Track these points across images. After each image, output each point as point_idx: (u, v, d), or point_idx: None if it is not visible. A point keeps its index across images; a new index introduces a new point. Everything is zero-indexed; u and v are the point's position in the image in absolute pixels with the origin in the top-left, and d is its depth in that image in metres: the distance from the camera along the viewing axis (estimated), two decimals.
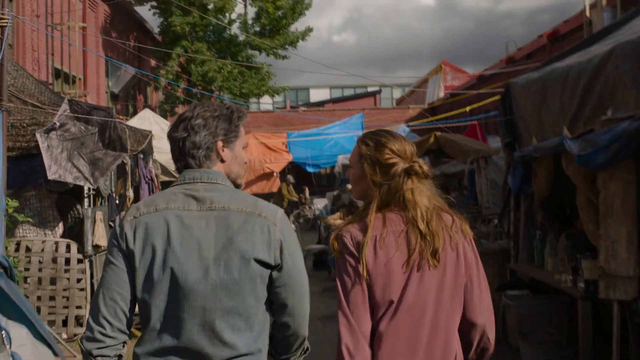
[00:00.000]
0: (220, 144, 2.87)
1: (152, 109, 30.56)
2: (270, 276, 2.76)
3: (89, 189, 9.84)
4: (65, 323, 9.42)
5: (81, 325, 9.44)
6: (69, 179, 8.70)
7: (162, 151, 18.32)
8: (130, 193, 10.61)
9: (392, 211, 2.98)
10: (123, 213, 2.82)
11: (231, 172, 2.94)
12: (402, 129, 29.66)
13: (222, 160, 2.89)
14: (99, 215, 9.75)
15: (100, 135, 9.01)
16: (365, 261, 2.85)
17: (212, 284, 2.66)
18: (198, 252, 2.68)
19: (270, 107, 41.16)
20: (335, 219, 14.85)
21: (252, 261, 2.69)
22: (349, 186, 17.81)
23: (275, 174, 31.39)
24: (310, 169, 30.64)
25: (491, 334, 3.04)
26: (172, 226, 2.70)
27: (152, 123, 20.01)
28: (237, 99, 31.63)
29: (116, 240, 2.74)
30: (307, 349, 2.99)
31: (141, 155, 11.31)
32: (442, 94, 38.74)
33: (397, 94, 69.32)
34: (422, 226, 2.89)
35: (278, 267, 2.75)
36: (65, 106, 8.69)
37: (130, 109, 28.13)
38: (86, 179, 8.82)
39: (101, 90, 24.49)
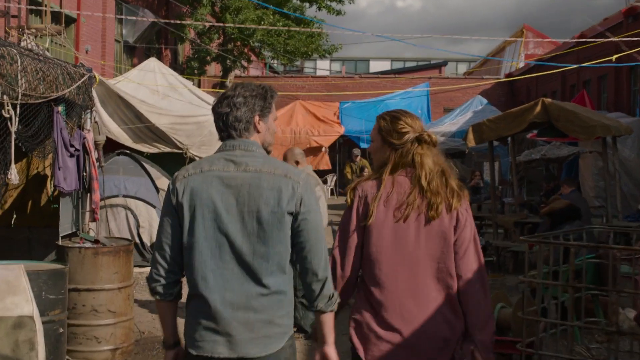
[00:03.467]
0: (257, 118, 3.36)
1: (181, 67, 25.77)
2: (292, 224, 3.23)
3: None
4: None
5: None
6: None
7: (162, 112, 13.66)
8: (13, 175, 5.76)
9: (401, 175, 3.56)
10: (176, 173, 3.35)
11: (265, 141, 3.43)
12: (477, 100, 24.51)
13: (258, 131, 3.38)
14: None
15: None
16: (373, 212, 3.48)
17: (248, 232, 3.19)
18: (235, 206, 3.21)
19: (324, 72, 35.98)
20: None
21: (279, 213, 3.19)
22: None
23: (323, 149, 27.31)
24: (364, 145, 25.58)
25: (482, 292, 3.51)
26: (214, 184, 3.23)
27: (157, 75, 15.32)
28: (280, 58, 26.75)
29: (168, 197, 3.31)
30: (333, 295, 3.30)
31: (58, 109, 6.45)
32: (522, 64, 33.32)
33: (463, 68, 64.69)
34: (424, 183, 3.48)
35: (298, 215, 3.22)
36: None
37: None
38: None
39: (108, 38, 19.75)
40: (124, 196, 11.86)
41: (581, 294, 6.34)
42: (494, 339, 3.53)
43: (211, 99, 16.17)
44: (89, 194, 7.50)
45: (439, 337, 3.44)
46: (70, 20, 17.67)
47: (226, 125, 3.31)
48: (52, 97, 6.20)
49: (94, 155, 7.42)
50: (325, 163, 27.39)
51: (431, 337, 3.43)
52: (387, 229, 3.46)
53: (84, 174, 7.31)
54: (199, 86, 23.63)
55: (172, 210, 3.27)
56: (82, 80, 6.83)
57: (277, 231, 3.18)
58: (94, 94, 12.91)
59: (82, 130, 7.29)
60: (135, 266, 11.86)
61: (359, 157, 20.66)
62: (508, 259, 11.90)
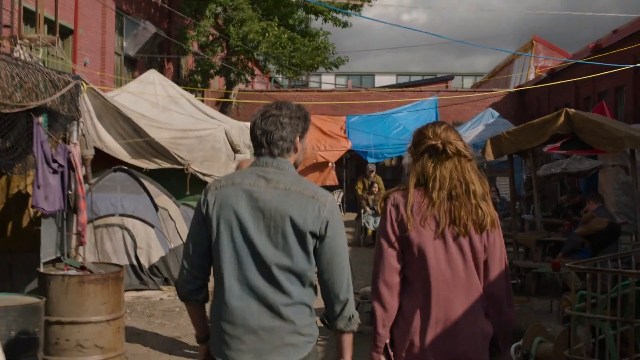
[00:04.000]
0: (297, 138, 3.52)
1: (184, 81, 25.12)
2: (316, 245, 3.36)
3: None
4: None
5: None
6: None
7: (162, 126, 12.99)
8: None
9: (422, 188, 3.55)
10: (209, 184, 3.54)
11: (297, 161, 3.59)
12: (489, 113, 23.82)
13: (295, 151, 3.54)
14: None
15: None
16: (406, 220, 3.47)
17: (273, 246, 3.31)
18: (263, 220, 3.33)
19: (329, 86, 35.30)
20: None
21: (303, 232, 3.32)
22: None
23: (330, 165, 26.59)
24: (371, 160, 25.05)
25: (510, 307, 3.54)
26: (244, 198, 3.37)
27: (157, 88, 14.71)
28: (285, 70, 26.08)
29: (199, 207, 3.44)
30: (353, 315, 3.40)
31: (39, 119, 5.73)
32: (532, 76, 32.58)
33: (469, 82, 64.13)
34: (434, 196, 3.45)
35: (322, 239, 3.35)
36: None
37: None
38: None
39: (108, 50, 19.08)
40: (121, 215, 11.14)
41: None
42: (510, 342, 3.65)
43: (214, 113, 15.49)
44: (75, 215, 6.77)
45: (470, 348, 3.46)
46: (67, 32, 17.05)
47: (269, 143, 3.43)
48: (30, 107, 5.48)
49: (81, 171, 6.69)
50: (332, 179, 26.64)
51: (463, 347, 3.45)
52: (418, 241, 3.46)
53: (69, 192, 6.58)
54: (202, 101, 23.00)
55: (201, 220, 3.41)
56: (67, 88, 6.11)
57: (300, 249, 3.31)
58: (87, 106, 12.37)
59: (68, 144, 6.57)
60: (132, 289, 11.23)
61: (373, 172, 19.72)
62: (530, 280, 11.09)
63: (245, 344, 3.28)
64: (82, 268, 6.27)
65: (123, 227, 11.05)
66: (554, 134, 11.02)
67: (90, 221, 10.94)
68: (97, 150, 12.33)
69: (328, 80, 56.13)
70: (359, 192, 19.36)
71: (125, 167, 12.09)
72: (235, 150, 13.59)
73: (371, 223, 17.82)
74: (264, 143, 3.44)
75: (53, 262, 6.71)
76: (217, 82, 30.02)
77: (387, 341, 3.52)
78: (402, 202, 3.49)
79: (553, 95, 27.33)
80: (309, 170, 26.77)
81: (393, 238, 3.48)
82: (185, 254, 3.47)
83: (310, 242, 3.32)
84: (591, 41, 22.62)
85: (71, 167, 6.45)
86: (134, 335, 8.20)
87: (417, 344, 3.43)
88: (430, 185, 3.45)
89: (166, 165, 12.80)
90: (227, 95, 25.85)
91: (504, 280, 3.50)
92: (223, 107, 25.07)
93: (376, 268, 3.53)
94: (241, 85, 28.96)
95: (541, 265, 10.87)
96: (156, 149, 12.67)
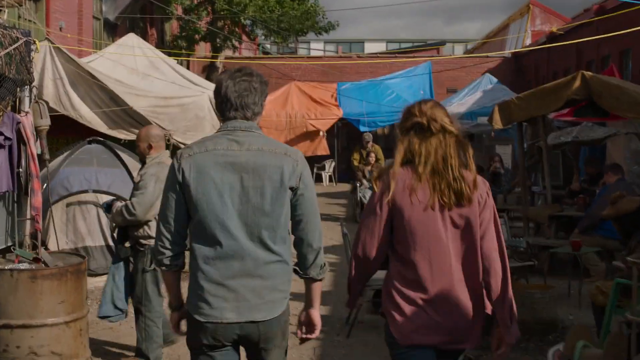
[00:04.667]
0: (263, 103, 3.69)
1: (168, 47, 23.95)
2: (291, 198, 3.53)
3: None
4: None
5: None
6: None
7: (141, 93, 11.99)
8: None
9: (411, 164, 3.61)
10: (179, 151, 3.57)
11: (258, 124, 3.68)
12: (487, 79, 22.81)
13: (260, 115, 3.69)
14: None
15: None
16: (393, 197, 3.53)
17: (252, 206, 3.43)
18: (240, 182, 3.45)
19: (319, 53, 34.16)
20: None
21: (281, 187, 3.47)
22: None
23: (321, 133, 25.60)
24: (364, 128, 24.05)
25: (506, 279, 3.58)
26: (220, 162, 3.45)
27: (136, 52, 13.67)
28: (274, 36, 24.92)
29: (173, 175, 3.50)
30: (324, 264, 3.63)
31: None
32: (529, 41, 31.54)
33: (460, 50, 63.11)
34: (420, 170, 3.53)
35: (297, 190, 3.52)
36: None
37: None
38: None
39: (85, 15, 17.92)
40: (95, 191, 10.12)
41: None
42: (514, 315, 3.59)
43: (198, 79, 14.44)
44: (27, 197, 5.76)
45: (468, 318, 3.55)
46: None
47: (244, 106, 3.55)
48: None
49: (34, 145, 5.68)
50: (323, 148, 25.64)
51: (461, 318, 3.54)
52: (412, 214, 3.53)
53: (19, 170, 5.57)
54: (187, 68, 21.91)
55: (176, 186, 3.46)
56: (15, 46, 5.08)
57: (279, 205, 3.45)
58: (59, 72, 11.33)
59: (18, 113, 5.54)
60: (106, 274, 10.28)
61: (370, 142, 18.39)
62: (542, 260, 10.14)
63: (228, 302, 3.38)
64: (36, 260, 5.30)
65: (98, 205, 10.04)
66: (569, 100, 10.04)
67: (62, 198, 9.99)
68: (71, 120, 11.43)
69: (316, 48, 54.99)
70: (355, 163, 18.16)
71: (101, 139, 11.06)
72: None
73: (368, 196, 16.73)
74: (239, 106, 3.54)
75: (2, 252, 5.74)
76: (203, 49, 28.88)
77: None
78: (392, 178, 3.56)
79: (553, 60, 26.31)
80: (299, 139, 25.80)
81: (381, 211, 3.55)
82: (163, 220, 3.49)
83: (289, 196, 3.48)
84: (589, 4, 21.67)
85: (22, 140, 5.47)
86: (105, 330, 7.25)
87: (411, 314, 3.51)
88: (416, 161, 3.55)
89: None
90: (213, 62, 24.76)
91: (501, 250, 3.58)
92: (209, 75, 24.00)
93: (361, 234, 3.60)
94: (228, 52, 27.84)
95: (555, 243, 9.96)
96: (135, 119, 11.59)
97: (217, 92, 3.58)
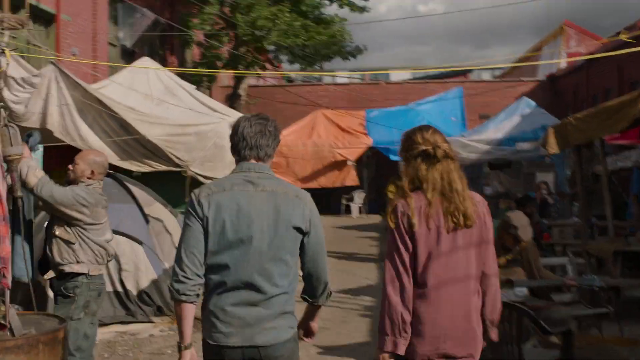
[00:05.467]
0: (275, 148, 3.93)
1: (188, 76, 22.96)
2: (302, 239, 3.78)
3: None
4: None
5: None
6: None
7: (154, 121, 10.98)
8: None
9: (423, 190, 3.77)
10: (196, 190, 3.76)
11: (271, 165, 3.94)
12: (524, 103, 21.56)
13: (272, 159, 3.95)
14: None
15: None
16: (413, 224, 3.68)
17: (267, 241, 3.66)
18: (257, 219, 3.66)
19: (344, 80, 33.15)
20: None
21: (292, 228, 3.71)
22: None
23: (349, 163, 24.36)
24: (394, 157, 22.83)
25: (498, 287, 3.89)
26: (236, 202, 3.67)
27: (149, 77, 12.63)
28: (298, 61, 23.91)
29: (193, 209, 3.68)
30: (331, 293, 4.00)
31: None
32: (564, 64, 30.32)
33: (487, 76, 61.94)
34: (429, 196, 3.71)
35: (307, 234, 3.78)
36: None
37: None
38: None
39: (100, 40, 16.99)
40: None
41: None
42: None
43: (218, 105, 13.36)
44: None
45: (477, 340, 3.78)
46: (48, 17, 15.00)
47: (258, 147, 3.80)
48: None
49: (3, 180, 4.57)
50: (352, 179, 24.55)
51: (473, 340, 3.76)
52: (429, 240, 3.68)
53: None
54: (210, 97, 20.95)
55: (197, 220, 3.65)
56: None
57: (290, 243, 3.72)
58: (65, 98, 10.31)
59: None
60: (116, 322, 9.15)
61: None
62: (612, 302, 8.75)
63: (233, 327, 3.61)
64: (1, 327, 4.18)
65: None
66: (637, 119, 8.81)
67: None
68: (78, 151, 10.37)
69: (342, 75, 54.19)
70: (391, 196, 16.99)
71: (110, 171, 10.00)
72: None
73: None
74: (253, 146, 3.80)
75: None
76: (226, 78, 27.97)
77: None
78: (407, 207, 3.71)
79: (592, 82, 25.03)
80: (326, 169, 24.82)
81: (405, 242, 3.69)
82: (184, 253, 3.61)
83: (298, 237, 3.75)
84: (619, 27, 20.53)
85: None
86: None
87: (422, 332, 3.66)
88: (424, 187, 3.72)
89: (161, 167, 10.63)
90: (235, 91, 23.76)
91: (495, 262, 3.86)
92: (232, 104, 23.03)
93: (390, 275, 3.70)
94: (251, 81, 26.92)
95: (625, 283, 8.65)
96: (148, 149, 10.53)
97: (234, 133, 3.83)
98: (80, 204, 5.51)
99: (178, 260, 3.64)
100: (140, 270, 9.02)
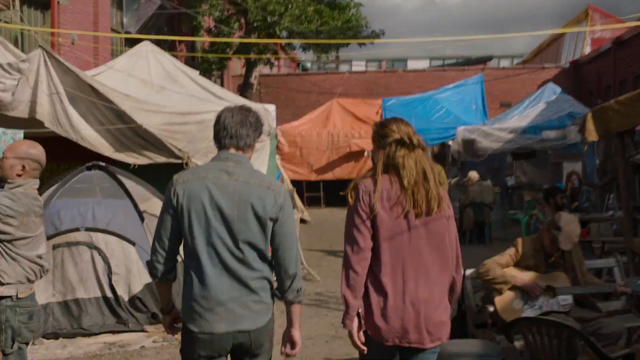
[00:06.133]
0: (256, 140, 4.04)
1: (198, 64, 22.07)
2: (272, 228, 3.84)
3: None
4: None
5: None
6: None
7: (152, 109, 10.10)
8: None
9: (393, 175, 3.92)
10: (175, 176, 3.87)
11: (250, 156, 4.06)
12: (550, 89, 20.57)
13: (251, 150, 4.03)
14: None
15: None
16: (375, 206, 3.83)
17: (237, 231, 3.75)
18: (226, 209, 3.75)
19: (361, 68, 32.23)
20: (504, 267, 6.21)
21: (262, 217, 3.78)
22: (474, 175, 17.05)
23: (366, 153, 23.68)
24: None
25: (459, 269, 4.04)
26: (209, 190, 3.76)
27: (150, 63, 11.73)
28: (312, 48, 22.97)
29: (169, 197, 3.79)
30: (301, 289, 3.93)
31: None
32: (588, 49, 29.20)
33: (505, 63, 60.87)
34: (405, 183, 3.87)
35: (276, 222, 3.84)
36: None
37: None
38: None
39: (102, 26, 16.11)
40: (88, 229, 8.14)
41: None
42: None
43: (223, 92, 12.45)
44: None
45: (444, 317, 3.93)
46: (44, 1, 14.14)
47: (238, 136, 3.90)
48: None
49: None
50: (367, 169, 23.68)
51: (438, 317, 3.89)
52: (390, 223, 3.84)
53: None
54: (222, 85, 20.06)
55: (171, 209, 3.78)
56: None
57: (260, 232, 3.79)
58: (55, 86, 9.44)
59: None
60: (105, 332, 8.28)
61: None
62: None
63: (217, 314, 3.70)
64: None
65: (92, 246, 8.07)
66: None
67: (48, 238, 8.01)
68: (70, 143, 9.50)
69: (359, 66, 53.34)
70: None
71: (103, 164, 9.13)
72: None
73: None
74: (234, 135, 3.89)
75: None
76: (238, 67, 27.08)
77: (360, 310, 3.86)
78: (372, 188, 3.87)
79: (618, 68, 23.92)
80: (342, 160, 24.10)
81: (364, 219, 3.85)
82: (157, 238, 3.82)
83: (269, 226, 3.81)
84: None
85: None
86: None
87: (387, 313, 3.81)
88: (401, 173, 3.87)
89: (160, 159, 9.71)
90: (246, 79, 22.85)
91: (458, 247, 4.02)
92: (243, 93, 22.14)
93: (349, 247, 3.87)
94: (264, 70, 26.02)
95: None
96: (146, 139, 9.62)
97: (217, 122, 3.92)
98: (5, 215, 4.55)
99: (152, 247, 3.86)
100: (132, 273, 8.12)
